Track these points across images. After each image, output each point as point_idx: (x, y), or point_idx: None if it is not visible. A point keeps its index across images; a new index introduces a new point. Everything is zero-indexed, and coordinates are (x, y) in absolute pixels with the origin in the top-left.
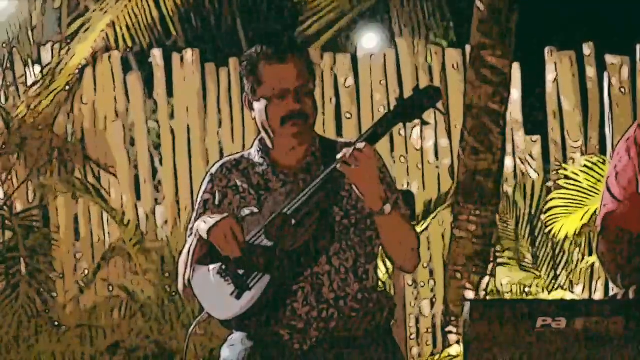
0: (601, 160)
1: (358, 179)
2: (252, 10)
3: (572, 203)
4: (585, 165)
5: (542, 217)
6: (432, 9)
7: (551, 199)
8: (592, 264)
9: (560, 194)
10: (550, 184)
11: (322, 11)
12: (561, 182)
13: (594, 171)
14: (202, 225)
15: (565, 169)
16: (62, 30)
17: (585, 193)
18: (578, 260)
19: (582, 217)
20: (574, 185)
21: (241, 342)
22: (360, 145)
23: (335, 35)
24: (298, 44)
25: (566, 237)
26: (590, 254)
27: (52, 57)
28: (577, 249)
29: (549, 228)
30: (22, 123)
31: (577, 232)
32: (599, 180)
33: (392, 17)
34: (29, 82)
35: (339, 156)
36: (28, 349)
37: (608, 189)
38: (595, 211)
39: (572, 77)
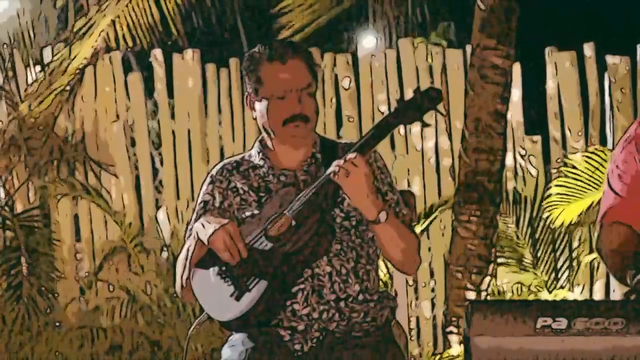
0: (602, 150)
1: (349, 189)
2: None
3: (573, 192)
4: (587, 156)
5: (543, 203)
6: (433, 9)
7: (551, 187)
8: (593, 264)
9: (561, 181)
10: (553, 170)
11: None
12: (564, 170)
13: (596, 161)
14: (202, 230)
15: (569, 158)
16: (63, 31)
17: (585, 183)
18: (579, 260)
19: (581, 207)
20: (575, 174)
21: (242, 343)
22: (351, 156)
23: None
24: (300, 45)
25: (566, 236)
26: (591, 251)
27: (53, 57)
28: (578, 249)
29: (547, 214)
30: (23, 123)
31: (574, 222)
32: (598, 169)
33: (392, 17)
34: (30, 83)
35: (330, 169)
36: (30, 350)
37: (610, 186)
38: (592, 203)
39: (572, 77)
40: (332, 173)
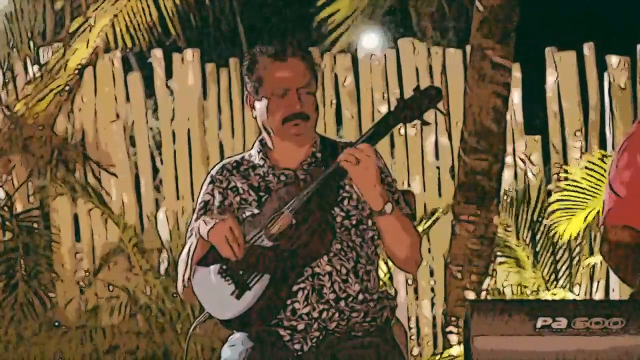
0: (601, 157)
1: (359, 178)
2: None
3: (574, 204)
4: (586, 167)
5: (545, 220)
6: (433, 9)
7: (553, 202)
8: (593, 264)
9: (563, 195)
10: (551, 186)
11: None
12: (562, 185)
13: (595, 171)
14: (203, 226)
15: (566, 171)
16: (62, 30)
17: (586, 193)
18: (579, 260)
19: (586, 217)
20: (575, 186)
21: (242, 343)
22: (361, 145)
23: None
24: (301, 45)
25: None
26: (591, 253)
27: (50, 57)
28: (578, 249)
29: (553, 231)
30: (22, 123)
31: (581, 232)
32: (600, 180)
33: (392, 17)
34: (28, 82)
35: (340, 157)
36: (29, 349)
37: (611, 188)
38: (598, 212)
39: (572, 77)
40: (342, 160)
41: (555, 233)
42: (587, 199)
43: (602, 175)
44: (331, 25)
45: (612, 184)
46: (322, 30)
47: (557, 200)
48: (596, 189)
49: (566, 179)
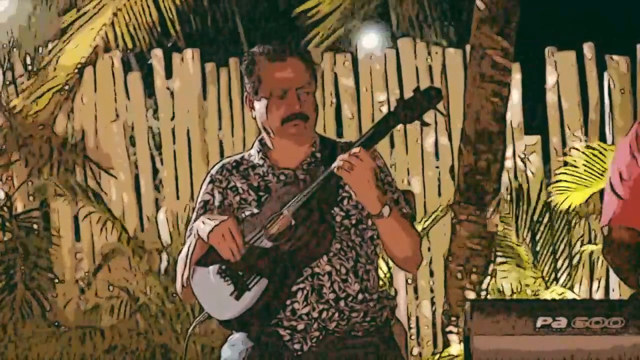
0: (601, 146)
1: (354, 183)
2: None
3: (577, 180)
4: (586, 153)
5: (549, 189)
6: (433, 9)
7: (557, 174)
8: (593, 264)
9: (566, 169)
10: (565, 157)
11: (324, 21)
12: (568, 159)
13: (595, 156)
14: (202, 227)
15: (565, 163)
16: (61, 30)
17: (587, 174)
18: (578, 259)
19: (587, 194)
20: (575, 169)
21: (242, 342)
22: (355, 150)
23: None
24: (300, 45)
25: (566, 235)
26: (589, 242)
27: (47, 55)
28: (578, 248)
29: (552, 198)
30: (22, 123)
31: (582, 206)
32: (597, 160)
33: (392, 17)
34: (26, 82)
35: (334, 164)
36: (28, 349)
37: (612, 189)
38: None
39: (572, 77)
40: (335, 167)
41: (555, 233)
42: (588, 178)
43: (603, 161)
44: (310, 20)
45: (613, 184)
46: (300, 22)
47: (561, 173)
48: (596, 171)
49: (566, 163)
